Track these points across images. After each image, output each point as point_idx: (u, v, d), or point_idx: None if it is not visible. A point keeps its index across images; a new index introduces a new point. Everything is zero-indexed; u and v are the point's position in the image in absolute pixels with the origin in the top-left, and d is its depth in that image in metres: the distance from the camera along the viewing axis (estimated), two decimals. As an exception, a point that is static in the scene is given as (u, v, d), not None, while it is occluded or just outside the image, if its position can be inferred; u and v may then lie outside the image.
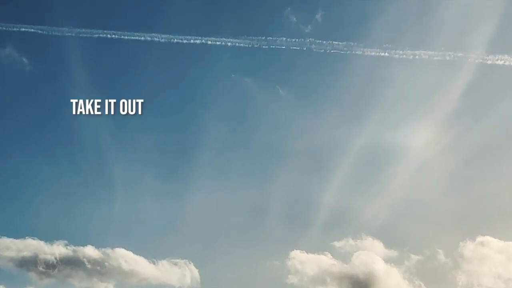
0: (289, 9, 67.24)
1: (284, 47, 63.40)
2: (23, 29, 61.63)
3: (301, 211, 66.03)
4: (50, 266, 56.17)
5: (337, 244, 62.20)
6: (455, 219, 64.77)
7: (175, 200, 68.86)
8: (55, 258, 56.63)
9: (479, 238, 60.49)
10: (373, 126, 68.28)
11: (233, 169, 69.07)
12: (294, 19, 67.41)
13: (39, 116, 71.91)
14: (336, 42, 62.62)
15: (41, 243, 57.44)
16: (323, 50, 63.30)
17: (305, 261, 62.43)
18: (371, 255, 63.29)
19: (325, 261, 62.30)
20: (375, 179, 67.16)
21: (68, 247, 57.90)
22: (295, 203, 66.80)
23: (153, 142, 71.72)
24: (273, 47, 63.15)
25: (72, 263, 57.01)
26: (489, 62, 64.46)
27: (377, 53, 64.62)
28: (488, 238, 61.28)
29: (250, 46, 62.72)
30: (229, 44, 62.44)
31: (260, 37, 62.52)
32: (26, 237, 57.07)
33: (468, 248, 61.23)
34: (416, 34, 67.06)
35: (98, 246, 58.52)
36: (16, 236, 58.04)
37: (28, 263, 56.29)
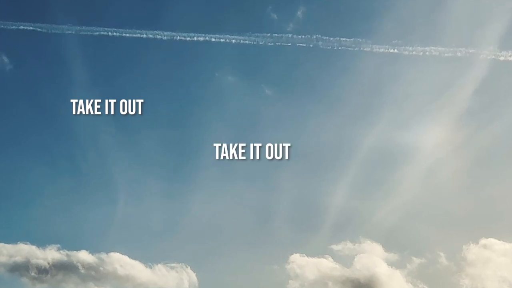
0: (270, 7, 65.85)
1: (290, 44, 61.21)
2: (21, 27, 59.70)
3: (305, 214, 64.29)
4: (42, 271, 55.24)
5: (335, 247, 61.33)
6: (460, 221, 63.57)
7: (175, 202, 68.54)
8: (48, 263, 55.66)
9: (483, 241, 59.13)
10: (382, 125, 66.63)
11: (236, 170, 68.20)
12: (275, 16, 66.04)
13: (36, 116, 70.76)
14: (344, 39, 60.28)
15: (33, 247, 56.71)
16: (330, 47, 60.99)
17: (305, 265, 61.33)
18: (373, 258, 62.44)
19: (326, 264, 61.49)
20: (383, 181, 65.24)
21: (61, 251, 57.18)
22: (299, 206, 64.90)
23: (154, 142, 70.79)
24: (279, 44, 60.96)
25: (65, 268, 56.17)
26: (501, 58, 62.35)
27: (386, 50, 62.44)
28: (491, 241, 60.19)
29: (255, 43, 60.56)
30: (233, 41, 60.30)
31: (265, 34, 60.34)
32: (18, 242, 56.26)
33: (472, 251, 60.00)
34: (426, 30, 65.15)
35: (92, 250, 57.97)
36: (8, 241, 57.50)
37: (20, 268, 55.36)
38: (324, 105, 68.15)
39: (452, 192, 65.26)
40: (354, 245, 60.56)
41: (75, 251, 56.77)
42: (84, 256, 56.58)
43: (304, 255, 59.12)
